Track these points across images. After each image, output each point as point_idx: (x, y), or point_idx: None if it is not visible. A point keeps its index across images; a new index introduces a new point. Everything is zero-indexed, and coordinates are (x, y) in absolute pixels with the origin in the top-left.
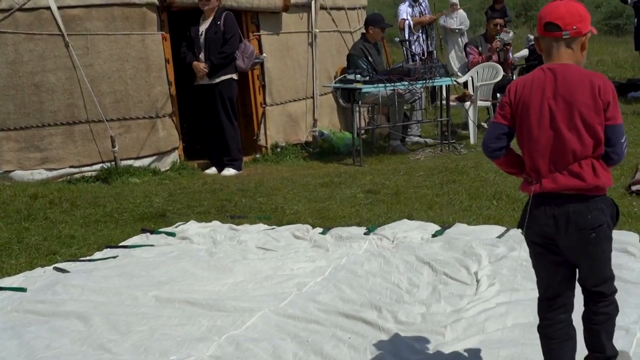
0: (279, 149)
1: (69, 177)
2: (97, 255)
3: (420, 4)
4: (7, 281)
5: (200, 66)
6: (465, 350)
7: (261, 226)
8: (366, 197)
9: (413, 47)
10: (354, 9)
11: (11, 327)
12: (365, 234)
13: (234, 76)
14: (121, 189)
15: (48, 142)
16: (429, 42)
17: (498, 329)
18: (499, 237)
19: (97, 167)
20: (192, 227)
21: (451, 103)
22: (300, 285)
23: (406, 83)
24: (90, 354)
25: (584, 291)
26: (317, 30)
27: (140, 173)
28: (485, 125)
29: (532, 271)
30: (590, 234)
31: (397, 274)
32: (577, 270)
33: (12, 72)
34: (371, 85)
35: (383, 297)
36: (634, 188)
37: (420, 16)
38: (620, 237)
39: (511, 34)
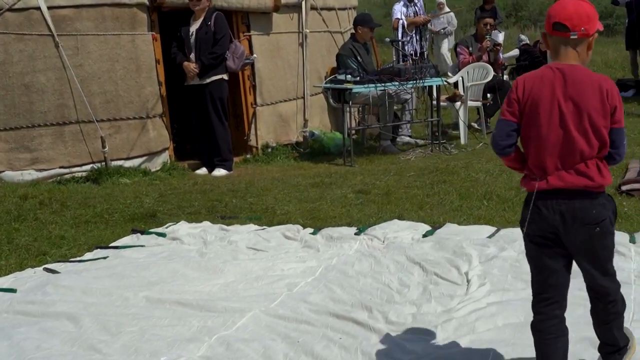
0: (269, 150)
1: (59, 177)
2: (88, 255)
3: (415, 5)
4: None
5: (191, 66)
6: (456, 351)
7: (252, 227)
8: (357, 197)
9: (407, 47)
10: (344, 9)
11: (1, 328)
12: (355, 234)
13: (225, 76)
14: (111, 190)
15: (38, 142)
16: (422, 42)
17: (489, 329)
18: (490, 237)
19: (88, 167)
20: (182, 228)
21: (442, 103)
22: (291, 286)
23: (397, 83)
24: (80, 354)
25: (590, 291)
26: (308, 31)
27: (130, 173)
28: (476, 126)
29: (523, 271)
30: (594, 229)
31: (387, 274)
32: (579, 267)
33: (1, 72)
34: (362, 86)
35: (374, 298)
36: (624, 188)
37: (414, 16)
38: None
39: (502, 34)
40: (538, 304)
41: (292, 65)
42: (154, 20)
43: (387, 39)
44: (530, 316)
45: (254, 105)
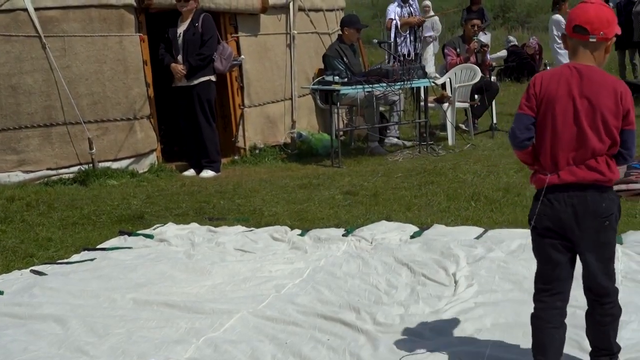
0: (257, 151)
1: (46, 179)
2: (75, 257)
3: (410, 5)
4: None
5: (178, 68)
6: (444, 351)
7: (239, 228)
8: (345, 198)
9: (399, 48)
10: (332, 10)
11: None
12: (343, 235)
13: (212, 78)
14: (99, 191)
15: (25, 144)
16: (416, 43)
17: (477, 329)
18: (477, 238)
19: (75, 169)
20: (170, 229)
21: (429, 104)
22: (279, 287)
23: (384, 84)
24: (67, 356)
25: (589, 292)
26: (296, 32)
27: (118, 175)
28: (464, 127)
29: (510, 272)
30: (604, 222)
31: (375, 275)
32: (583, 264)
33: None
34: (349, 87)
35: (361, 299)
36: (615, 188)
37: (409, 17)
38: None
39: (487, 36)
40: (540, 294)
41: (280, 67)
42: (141, 22)
43: (375, 41)
44: (518, 317)
45: (242, 107)
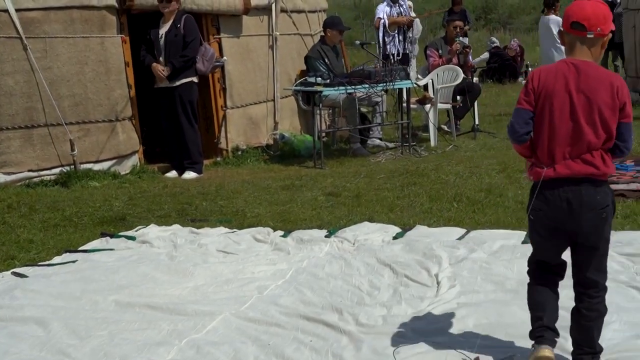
0: (239, 152)
1: (27, 181)
2: (56, 259)
3: (400, 5)
4: None
5: (159, 68)
6: (427, 351)
7: (222, 229)
8: (327, 199)
9: (388, 47)
10: (314, 11)
11: None
12: (326, 236)
13: (195, 79)
14: (80, 193)
15: (6, 145)
16: (405, 44)
17: (459, 330)
18: (460, 239)
19: (56, 170)
20: (152, 231)
21: (411, 106)
22: (261, 289)
23: (367, 86)
24: (49, 359)
25: (578, 286)
26: (278, 33)
27: (100, 177)
28: (446, 128)
29: (493, 273)
30: (602, 214)
31: (358, 276)
32: (576, 258)
33: None
34: (331, 88)
35: (344, 300)
36: None
37: (397, 17)
38: None
39: (466, 39)
40: (536, 271)
41: (263, 68)
42: (123, 23)
43: (357, 42)
44: (500, 317)
45: (224, 108)
